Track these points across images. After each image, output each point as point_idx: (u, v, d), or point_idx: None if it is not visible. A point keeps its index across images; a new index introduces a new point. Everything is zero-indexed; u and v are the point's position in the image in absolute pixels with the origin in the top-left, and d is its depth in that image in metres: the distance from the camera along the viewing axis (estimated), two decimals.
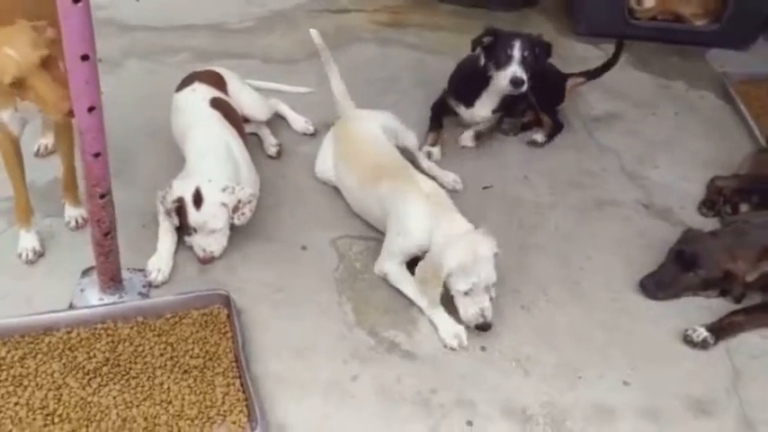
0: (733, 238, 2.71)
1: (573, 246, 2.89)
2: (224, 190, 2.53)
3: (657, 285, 2.70)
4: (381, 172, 2.73)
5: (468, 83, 3.39)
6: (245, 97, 3.18)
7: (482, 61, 3.25)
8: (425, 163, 3.19)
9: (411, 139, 3.14)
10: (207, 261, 2.60)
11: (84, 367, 2.20)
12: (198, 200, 2.50)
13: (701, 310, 2.67)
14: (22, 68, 2.09)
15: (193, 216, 2.51)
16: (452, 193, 2.97)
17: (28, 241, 2.55)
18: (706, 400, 2.37)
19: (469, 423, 2.23)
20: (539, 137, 3.47)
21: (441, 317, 2.50)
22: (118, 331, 2.32)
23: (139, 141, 3.18)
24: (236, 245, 2.71)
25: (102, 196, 2.18)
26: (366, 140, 2.89)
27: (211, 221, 2.52)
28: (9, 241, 2.61)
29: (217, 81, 3.10)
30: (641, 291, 2.71)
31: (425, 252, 2.51)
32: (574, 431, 2.23)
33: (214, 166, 2.60)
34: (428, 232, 2.52)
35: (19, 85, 2.12)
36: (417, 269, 2.52)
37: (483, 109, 3.37)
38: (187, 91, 2.99)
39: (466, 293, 2.43)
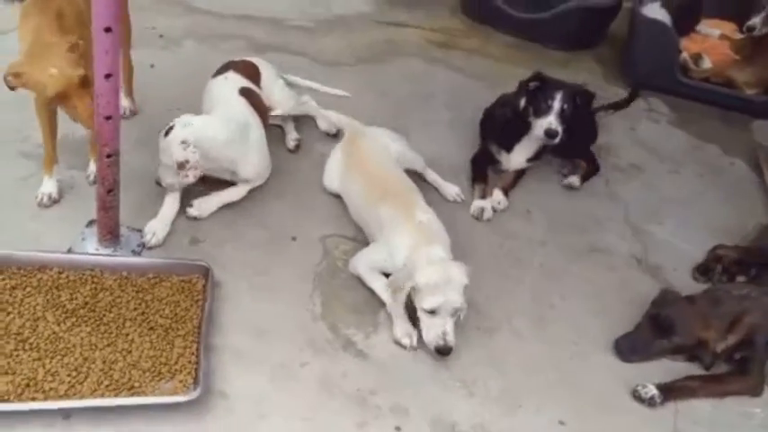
0: (708, 306, 2.72)
1: (551, 284, 2.96)
2: (182, 143, 2.69)
3: (632, 349, 2.72)
4: (385, 193, 2.84)
5: (508, 127, 3.43)
6: (275, 90, 3.38)
7: (522, 104, 3.30)
8: (431, 176, 3.32)
9: (419, 163, 3.27)
10: (157, 183, 2.85)
11: (64, 306, 2.43)
12: (167, 133, 2.73)
13: (659, 367, 2.69)
14: (64, 86, 2.40)
15: (160, 141, 2.75)
16: (453, 204, 3.21)
17: (47, 187, 2.82)
18: None
19: (397, 429, 2.34)
20: (574, 180, 3.52)
21: (399, 313, 2.62)
22: (103, 280, 2.54)
23: (175, 116, 3.41)
24: (230, 224, 2.91)
25: (109, 156, 2.40)
26: (374, 158, 3.03)
27: (164, 154, 2.74)
28: (35, 184, 2.88)
29: (251, 72, 3.31)
30: (615, 353, 2.73)
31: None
32: None
33: (213, 125, 2.81)
34: (409, 260, 2.63)
35: (59, 98, 2.43)
36: (390, 280, 2.65)
37: (520, 156, 3.42)
38: (220, 78, 3.21)
39: (431, 313, 2.52)
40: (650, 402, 2.55)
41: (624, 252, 3.22)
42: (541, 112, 3.20)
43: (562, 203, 3.44)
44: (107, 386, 2.24)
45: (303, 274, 2.80)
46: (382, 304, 2.69)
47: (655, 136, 4.05)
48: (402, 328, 2.60)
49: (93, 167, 2.95)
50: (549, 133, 3.16)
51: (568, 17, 4.60)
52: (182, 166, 2.71)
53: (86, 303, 2.46)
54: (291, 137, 3.42)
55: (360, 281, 2.78)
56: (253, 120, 3.01)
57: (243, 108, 3.02)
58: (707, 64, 4.57)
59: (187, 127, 2.72)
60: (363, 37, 4.49)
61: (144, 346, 2.38)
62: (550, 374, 2.62)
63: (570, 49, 4.75)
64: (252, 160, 2.94)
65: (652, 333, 2.73)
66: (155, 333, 2.42)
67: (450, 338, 2.51)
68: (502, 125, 3.47)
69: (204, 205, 2.92)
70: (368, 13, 4.74)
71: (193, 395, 2.22)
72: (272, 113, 3.33)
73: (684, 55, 4.54)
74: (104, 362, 2.30)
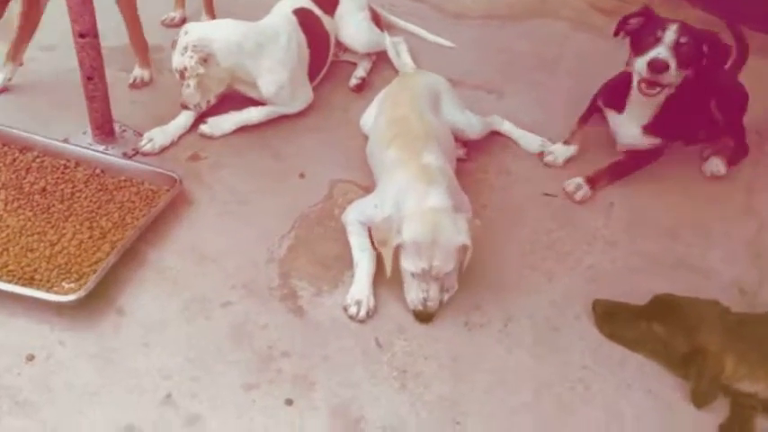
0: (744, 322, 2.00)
1: (591, 292, 2.21)
2: (183, 48, 2.49)
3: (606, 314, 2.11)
4: (398, 132, 2.39)
5: (619, 82, 2.73)
6: (350, 22, 3.05)
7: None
8: (505, 125, 2.83)
9: (470, 124, 2.68)
10: (183, 106, 2.62)
11: (22, 188, 2.34)
12: (174, 43, 2.55)
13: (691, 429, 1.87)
14: None
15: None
16: (503, 185, 2.60)
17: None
18: None
19: (289, 402, 1.88)
20: (718, 165, 2.73)
21: (364, 275, 2.16)
22: (74, 173, 2.42)
23: None
24: (240, 150, 2.65)
25: (82, 36, 2.25)
26: (412, 96, 2.54)
27: (175, 60, 2.54)
28: None
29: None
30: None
31: None
32: None
33: (214, 27, 2.62)
34: (397, 205, 2.16)
35: None
36: (373, 229, 2.19)
37: (633, 122, 2.65)
38: None
39: (414, 275, 2.06)
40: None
41: (727, 278, 2.34)
42: (647, 46, 2.44)
43: (666, 204, 2.62)
44: (10, 270, 2.09)
45: (288, 213, 2.43)
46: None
47: None
48: (357, 291, 2.12)
49: (136, 71, 2.89)
50: (655, 65, 2.37)
51: None
52: (181, 74, 2.52)
53: (44, 189, 2.35)
54: (357, 74, 3.04)
55: (343, 233, 2.32)
56: (288, 34, 2.71)
57: (281, 22, 2.74)
58: None
59: (188, 33, 2.51)
60: None
61: (72, 243, 2.20)
62: (524, 397, 1.94)
63: None
64: (271, 73, 2.63)
65: (643, 310, 2.08)
66: (89, 233, 2.23)
67: (432, 304, 2.07)
68: (611, 80, 2.77)
69: (219, 123, 2.67)
70: None
71: (67, 298, 1.98)
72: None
73: None
74: (22, 248, 2.16)
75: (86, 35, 2.25)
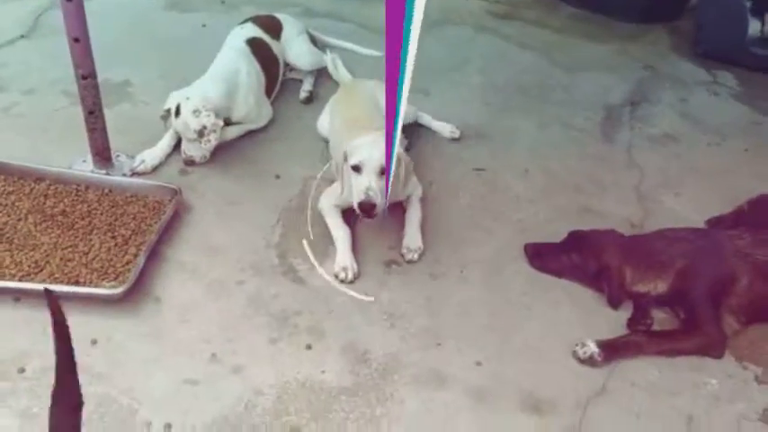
0: (638, 243, 2.62)
1: (522, 239, 2.84)
2: (194, 112, 2.90)
3: (536, 254, 2.73)
4: (352, 128, 2.91)
5: None
6: (293, 46, 3.58)
7: None
8: (423, 118, 3.38)
9: (409, 114, 3.28)
10: (187, 163, 3.03)
11: (45, 211, 2.75)
12: (178, 113, 2.94)
13: (607, 324, 2.52)
14: None
15: (175, 124, 2.97)
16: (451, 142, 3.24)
17: None
18: (547, 401, 2.27)
19: (309, 347, 2.40)
20: None
21: (344, 247, 2.68)
22: (86, 195, 2.85)
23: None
24: (221, 160, 3.12)
25: (85, 77, 2.69)
26: (360, 99, 3.12)
27: (186, 131, 2.94)
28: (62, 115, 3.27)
29: (271, 26, 3.52)
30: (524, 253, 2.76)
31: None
32: (397, 384, 2.29)
33: (201, 87, 3.01)
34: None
35: None
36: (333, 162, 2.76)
37: None
38: (238, 27, 3.45)
39: (357, 172, 2.59)
40: (591, 362, 2.39)
41: (620, 216, 3.03)
42: None
43: (567, 166, 3.30)
44: (56, 278, 2.50)
45: (272, 207, 2.94)
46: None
47: (707, 108, 3.75)
48: (341, 260, 2.65)
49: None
50: None
51: None
52: (201, 133, 2.92)
53: (64, 211, 2.77)
54: (304, 89, 3.58)
55: (322, 218, 2.87)
56: (246, 66, 3.20)
57: (236, 55, 3.22)
58: None
59: (190, 99, 2.93)
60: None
61: (101, 250, 2.63)
62: (485, 321, 2.54)
63: (642, 22, 4.49)
64: (240, 101, 3.12)
65: (562, 245, 2.67)
66: (114, 241, 2.67)
67: (374, 194, 2.56)
68: None
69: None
70: None
71: (115, 291, 2.43)
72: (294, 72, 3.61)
73: None
74: (62, 259, 2.58)
75: (88, 77, 2.70)
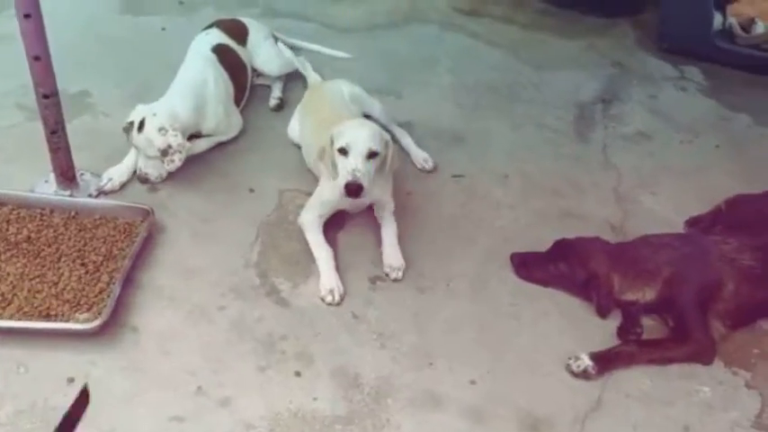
0: (623, 250, 2.61)
1: (505, 247, 2.81)
2: (159, 129, 2.76)
3: (522, 263, 2.70)
4: (328, 126, 2.83)
5: None
6: (260, 51, 3.45)
7: None
8: (405, 140, 3.25)
9: (376, 109, 3.22)
10: (142, 180, 2.89)
11: (8, 239, 2.60)
12: (141, 127, 2.80)
13: (603, 337, 2.50)
14: None
15: (135, 139, 2.83)
16: (421, 173, 3.15)
17: None
18: (545, 419, 2.24)
19: (297, 374, 2.33)
20: None
21: (327, 268, 2.61)
22: (51, 218, 2.70)
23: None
24: (191, 175, 2.99)
25: (46, 96, 2.54)
26: (328, 103, 3.03)
27: (148, 148, 2.80)
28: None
29: (236, 30, 3.39)
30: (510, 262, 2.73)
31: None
32: (391, 408, 2.24)
33: (169, 103, 2.87)
34: None
35: None
36: (318, 150, 2.69)
37: None
38: (202, 33, 3.31)
39: (343, 154, 2.53)
40: (585, 376, 2.37)
41: (600, 218, 3.02)
42: None
43: (544, 168, 3.27)
44: (25, 312, 2.37)
45: (249, 223, 2.84)
46: None
47: (676, 104, 3.77)
48: (326, 282, 2.57)
49: None
50: None
51: None
52: (165, 152, 2.77)
53: (29, 237, 2.62)
54: (274, 95, 3.47)
55: (302, 233, 2.78)
56: (213, 75, 3.07)
57: (203, 65, 3.09)
58: (760, 29, 4.16)
59: (157, 115, 2.78)
60: (385, 3, 4.46)
61: (72, 279, 2.50)
62: (473, 336, 2.50)
63: (608, 16, 4.49)
64: (209, 113, 3.00)
65: (548, 255, 2.65)
66: (85, 268, 2.54)
67: (360, 175, 2.50)
68: None
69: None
70: None
71: (91, 325, 2.31)
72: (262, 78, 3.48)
73: (732, 20, 4.16)
74: (30, 291, 2.43)
75: (50, 96, 2.54)
